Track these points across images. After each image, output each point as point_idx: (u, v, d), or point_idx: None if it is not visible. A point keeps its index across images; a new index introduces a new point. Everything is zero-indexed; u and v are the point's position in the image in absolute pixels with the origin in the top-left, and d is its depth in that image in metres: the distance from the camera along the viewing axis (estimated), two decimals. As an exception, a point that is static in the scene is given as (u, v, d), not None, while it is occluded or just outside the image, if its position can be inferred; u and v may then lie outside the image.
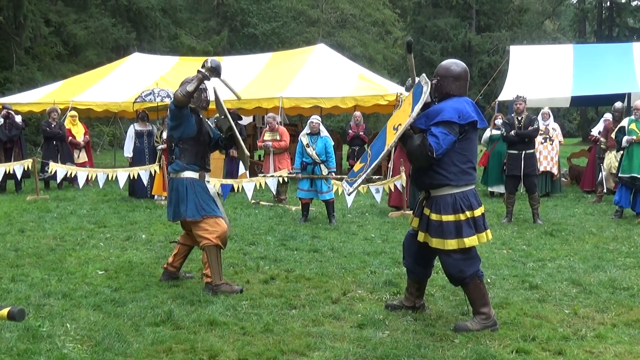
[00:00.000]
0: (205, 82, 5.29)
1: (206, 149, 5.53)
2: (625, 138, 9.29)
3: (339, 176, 9.41)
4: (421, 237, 4.52)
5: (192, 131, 5.32)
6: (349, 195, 4.54)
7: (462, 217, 4.34)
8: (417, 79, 4.43)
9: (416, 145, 4.28)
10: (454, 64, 4.55)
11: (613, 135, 10.12)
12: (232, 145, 5.74)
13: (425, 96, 4.22)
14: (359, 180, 4.46)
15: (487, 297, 4.50)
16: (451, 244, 4.33)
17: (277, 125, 11.53)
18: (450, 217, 4.34)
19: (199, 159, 5.38)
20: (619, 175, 9.42)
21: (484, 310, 4.40)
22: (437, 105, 4.43)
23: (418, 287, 4.80)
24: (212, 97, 5.61)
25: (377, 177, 9.92)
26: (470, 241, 4.34)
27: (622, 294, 5.30)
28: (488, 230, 4.50)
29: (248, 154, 5.89)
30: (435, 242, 4.40)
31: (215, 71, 5.17)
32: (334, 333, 4.29)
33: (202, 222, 5.25)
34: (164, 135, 11.46)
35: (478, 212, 4.40)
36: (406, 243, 4.80)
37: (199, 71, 5.13)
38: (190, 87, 5.08)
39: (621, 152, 9.57)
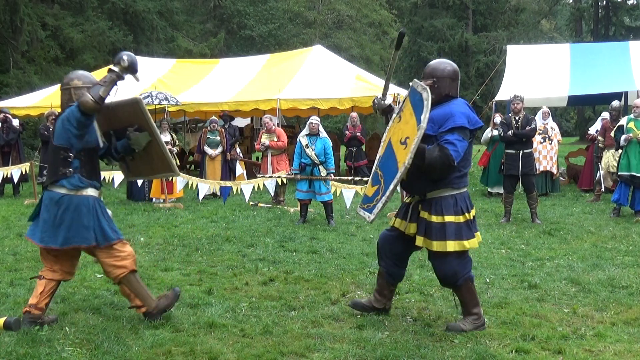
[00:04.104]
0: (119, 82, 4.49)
1: (99, 161, 4.75)
2: (623, 137, 9.32)
3: (337, 177, 9.41)
4: (419, 241, 4.40)
5: (95, 140, 4.58)
6: (370, 222, 4.38)
7: (462, 218, 4.31)
8: (411, 85, 4.30)
9: (436, 156, 4.13)
10: (448, 64, 4.46)
11: (612, 134, 10.14)
12: (127, 156, 4.83)
13: (428, 103, 3.99)
14: (380, 205, 4.16)
15: (478, 297, 4.50)
16: (452, 245, 4.27)
17: (274, 127, 11.53)
18: (451, 218, 4.28)
19: (97, 173, 4.60)
20: (619, 173, 9.44)
21: (476, 310, 4.40)
22: (441, 109, 4.28)
23: (392, 289, 4.75)
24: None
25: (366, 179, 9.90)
26: (470, 244, 4.32)
27: (621, 292, 5.31)
28: (478, 233, 4.49)
29: (177, 172, 5.11)
30: (436, 245, 4.30)
31: (132, 69, 4.45)
32: (334, 334, 4.28)
33: (113, 249, 4.48)
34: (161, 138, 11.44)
35: (472, 215, 4.41)
36: (386, 245, 4.66)
37: (111, 70, 4.38)
38: (103, 92, 4.31)
39: (620, 150, 9.60)
